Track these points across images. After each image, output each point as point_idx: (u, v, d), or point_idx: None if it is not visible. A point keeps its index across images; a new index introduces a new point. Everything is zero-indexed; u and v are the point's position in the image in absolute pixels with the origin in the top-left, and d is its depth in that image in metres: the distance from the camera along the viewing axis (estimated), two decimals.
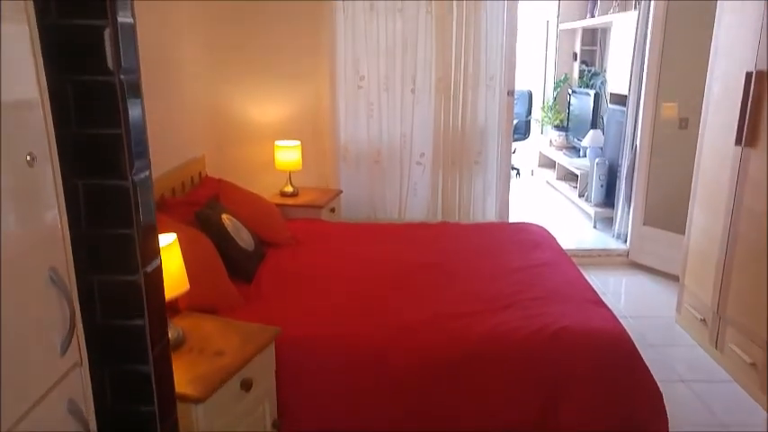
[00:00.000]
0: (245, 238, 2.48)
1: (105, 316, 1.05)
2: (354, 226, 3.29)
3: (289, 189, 3.51)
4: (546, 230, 3.20)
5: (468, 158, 3.76)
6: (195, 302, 1.87)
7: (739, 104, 2.53)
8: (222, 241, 2.33)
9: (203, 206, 2.48)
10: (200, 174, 3.18)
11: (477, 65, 3.61)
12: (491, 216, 3.91)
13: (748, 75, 2.47)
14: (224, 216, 2.45)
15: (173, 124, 2.98)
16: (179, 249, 1.57)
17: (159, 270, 1.13)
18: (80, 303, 1.01)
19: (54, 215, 0.94)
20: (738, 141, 2.56)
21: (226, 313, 2.00)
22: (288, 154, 3.46)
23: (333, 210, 3.59)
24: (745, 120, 2.50)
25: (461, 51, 3.57)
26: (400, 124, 3.72)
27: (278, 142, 3.49)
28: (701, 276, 2.92)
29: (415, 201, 3.86)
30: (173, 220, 2.11)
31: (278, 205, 3.21)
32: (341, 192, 3.72)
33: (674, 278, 3.29)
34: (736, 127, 2.56)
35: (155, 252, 1.11)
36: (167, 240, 1.52)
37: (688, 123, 3.51)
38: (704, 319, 2.88)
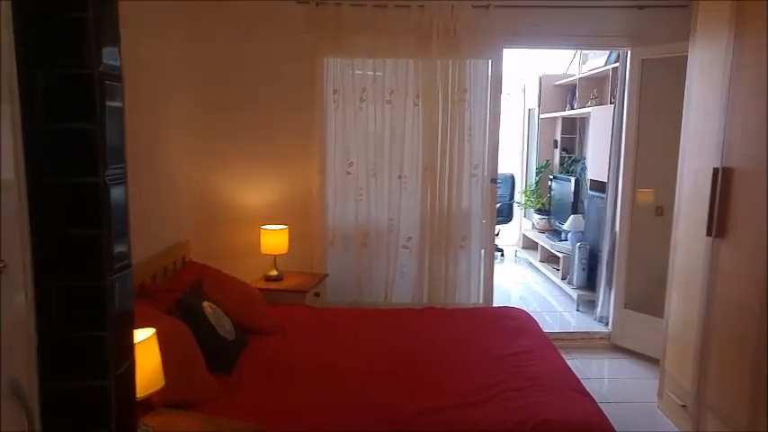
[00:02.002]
0: (226, 327, 2.47)
1: (69, 427, 1.01)
2: (339, 311, 3.29)
3: (273, 273, 3.53)
4: (529, 315, 3.23)
5: (453, 242, 3.83)
6: (171, 397, 1.84)
7: (708, 198, 2.65)
8: (202, 330, 2.31)
9: (185, 293, 2.48)
10: (183, 258, 3.20)
11: (461, 154, 3.76)
12: (476, 298, 3.94)
13: (715, 171, 2.61)
14: (205, 303, 2.45)
15: (158, 209, 3.04)
16: (156, 345, 1.57)
17: (131, 370, 1.10)
18: (42, 413, 0.97)
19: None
20: (709, 232, 2.66)
21: (204, 408, 1.96)
22: (274, 238, 3.51)
23: (318, 294, 3.59)
24: (714, 212, 2.62)
25: (447, 141, 3.73)
26: (388, 209, 3.81)
27: (264, 227, 3.54)
28: (681, 362, 2.94)
29: (402, 284, 3.89)
30: (152, 309, 2.11)
31: (262, 290, 3.21)
32: (327, 275, 3.74)
33: (656, 362, 3.29)
34: (706, 218, 2.67)
35: (127, 352, 1.08)
36: (144, 335, 1.52)
37: (663, 211, 3.64)
38: (685, 406, 2.87)
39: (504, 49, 3.76)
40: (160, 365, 1.59)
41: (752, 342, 2.37)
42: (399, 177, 3.78)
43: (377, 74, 3.71)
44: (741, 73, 2.49)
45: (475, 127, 3.78)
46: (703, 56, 2.81)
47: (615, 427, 2.04)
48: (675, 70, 3.15)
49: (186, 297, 2.43)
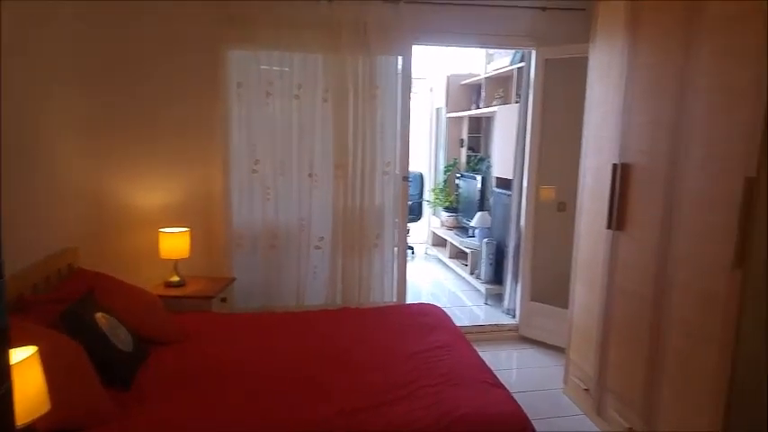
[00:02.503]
0: (122, 338, 2.25)
1: None
2: (248, 316, 3.12)
3: (175, 279, 3.29)
4: (442, 311, 3.26)
5: (367, 241, 3.78)
6: (59, 421, 1.62)
7: (608, 193, 2.80)
8: (95, 343, 2.09)
9: (73, 303, 2.23)
10: (70, 266, 2.89)
11: (374, 151, 3.71)
12: (390, 297, 3.92)
13: (614, 167, 2.75)
14: (98, 314, 2.22)
15: (39, 213, 2.72)
16: (39, 364, 1.37)
17: (9, 395, 0.95)
18: None
19: None
20: (609, 226, 2.80)
21: (97, 429, 1.76)
22: (174, 241, 3.27)
23: (224, 299, 3.40)
24: (614, 207, 2.76)
25: (359, 138, 3.67)
26: (298, 208, 3.69)
27: (163, 230, 3.29)
28: (584, 349, 3.08)
29: (314, 285, 3.78)
30: (33, 324, 1.86)
31: (163, 297, 2.97)
32: (234, 279, 3.55)
33: (561, 350, 3.45)
34: (606, 213, 2.81)
35: (3, 375, 0.94)
36: (24, 354, 1.32)
37: (566, 207, 3.81)
38: (588, 389, 3.02)
39: (414, 46, 3.77)
40: (44, 387, 1.39)
41: (646, 327, 2.53)
42: (309, 175, 3.67)
43: (284, 69, 3.56)
44: (636, 74, 2.64)
45: (386, 124, 3.76)
46: (602, 57, 2.97)
47: (527, 415, 2.10)
48: (577, 70, 3.30)
49: (74, 308, 2.18)
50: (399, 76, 3.78)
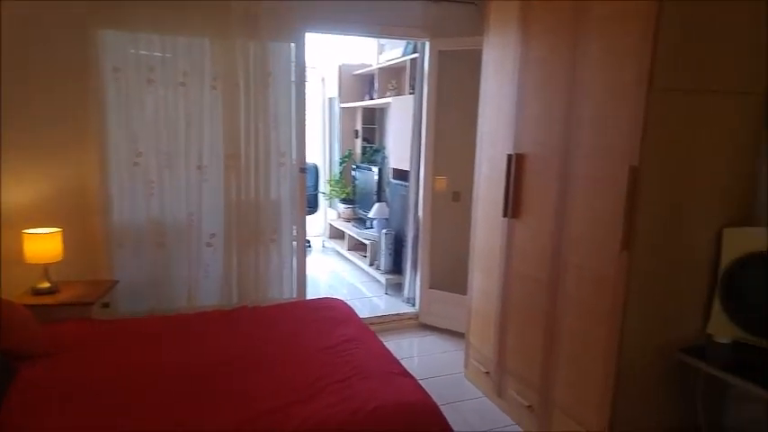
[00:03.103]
0: None
1: None
2: (135, 321, 2.85)
3: (45, 285, 2.92)
4: (346, 304, 3.20)
5: (263, 236, 3.62)
6: None
7: (503, 183, 2.89)
8: None
9: None
10: None
11: (267, 141, 3.55)
12: (289, 292, 3.79)
13: (509, 157, 2.85)
14: None
15: None
16: None
17: None
18: None
19: None
20: (505, 214, 2.91)
21: None
22: (43, 243, 2.90)
23: (107, 304, 3.08)
24: (509, 196, 2.86)
25: (251, 127, 3.48)
26: (186, 203, 3.43)
27: (28, 231, 2.91)
28: (483, 333, 3.19)
29: (206, 284, 3.55)
30: None
31: (31, 306, 2.62)
32: (116, 282, 3.23)
33: (461, 335, 3.55)
34: (502, 201, 2.91)
35: None
36: None
37: (460, 197, 3.91)
38: (488, 372, 3.13)
39: (307, 34, 3.65)
40: None
41: (542, 308, 2.65)
42: (198, 168, 3.43)
43: (167, 55, 3.28)
44: (529, 68, 2.75)
45: (280, 113, 3.60)
46: (496, 51, 3.05)
47: (437, 405, 2.11)
48: (471, 62, 3.37)
49: None
50: (293, 63, 3.64)
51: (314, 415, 1.93)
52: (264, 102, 3.51)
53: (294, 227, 3.80)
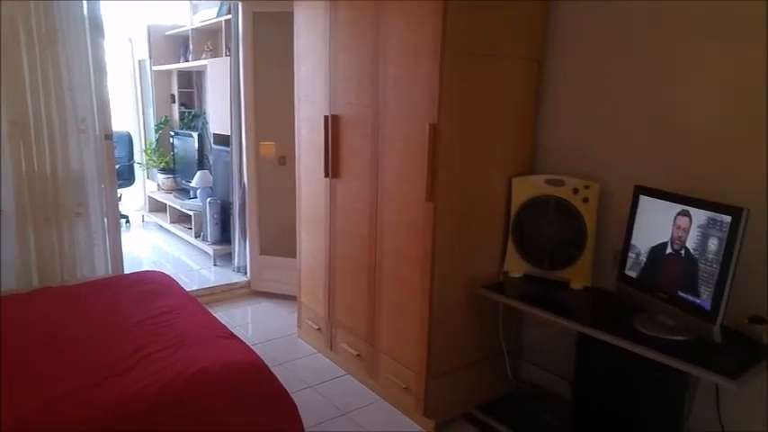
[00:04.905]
0: None
1: None
2: None
3: None
4: (167, 276, 3.06)
5: (66, 211, 3.25)
6: None
7: (323, 143, 2.95)
8: None
9: None
10: None
11: (62, 106, 3.15)
12: (104, 271, 3.48)
13: (326, 118, 2.91)
14: None
15: None
16: None
17: None
18: None
19: None
20: (326, 174, 2.98)
21: None
22: None
23: None
24: (329, 156, 2.94)
25: (40, 91, 3.06)
26: None
27: None
28: (314, 292, 3.29)
29: None
30: None
31: None
32: None
33: (294, 298, 3.60)
34: (323, 162, 2.98)
35: None
36: None
37: (286, 160, 3.91)
38: (320, 329, 3.25)
39: None
40: None
41: (365, 262, 2.81)
42: None
43: None
44: (338, 29, 2.80)
45: (75, 75, 3.21)
46: (307, 11, 3.06)
47: (265, 362, 2.15)
48: (287, 25, 3.32)
49: None
50: (87, 20, 3.26)
51: (131, 386, 1.85)
52: (54, 62, 3.10)
53: (104, 201, 3.47)
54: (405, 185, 2.50)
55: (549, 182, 2.51)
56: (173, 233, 5.64)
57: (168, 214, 5.76)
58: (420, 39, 2.31)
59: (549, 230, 2.50)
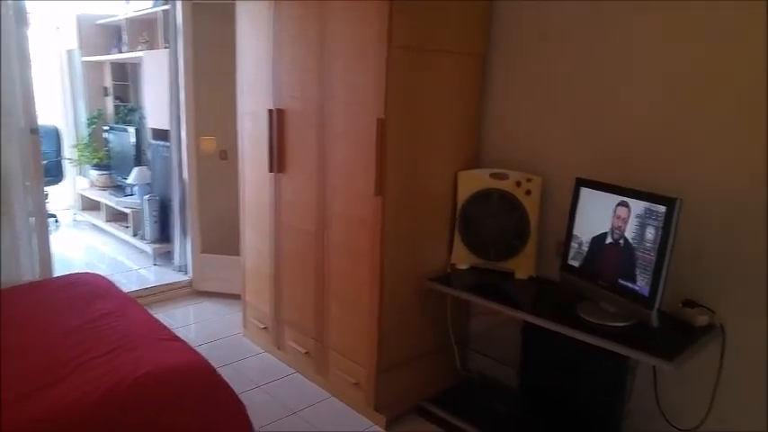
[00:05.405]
0: None
1: None
2: None
3: None
4: (103, 278, 2.91)
5: None
6: None
7: (267, 138, 2.89)
8: None
9: None
10: None
11: None
12: (31, 274, 3.27)
13: (270, 112, 2.85)
14: None
15: None
16: None
17: None
18: None
19: None
20: (271, 169, 2.92)
21: None
22: None
23: None
24: (273, 151, 2.88)
25: None
26: None
27: None
28: (260, 290, 3.21)
29: None
30: None
31: None
32: None
33: (238, 297, 3.51)
34: (267, 157, 2.91)
35: None
36: None
37: (227, 155, 3.80)
38: (266, 327, 3.19)
39: None
40: None
41: (312, 258, 2.77)
42: None
43: None
44: (283, 23, 2.74)
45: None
46: (250, 4, 2.97)
47: (211, 363, 2.08)
48: (229, 16, 3.22)
49: None
50: (10, 7, 3.04)
51: (66, 396, 1.73)
52: None
53: (30, 199, 3.26)
54: (352, 179, 2.48)
55: (493, 175, 2.55)
56: (108, 232, 5.38)
57: (103, 212, 5.49)
58: (366, 33, 2.29)
59: (494, 223, 2.54)
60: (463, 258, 2.64)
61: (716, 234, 2.01)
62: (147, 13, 4.62)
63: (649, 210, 1.86)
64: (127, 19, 4.99)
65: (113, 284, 2.83)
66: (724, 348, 2.00)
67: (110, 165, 5.63)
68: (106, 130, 5.62)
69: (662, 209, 1.81)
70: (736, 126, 1.94)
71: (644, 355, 1.81)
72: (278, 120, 2.83)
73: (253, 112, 3.06)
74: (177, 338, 2.24)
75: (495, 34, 2.63)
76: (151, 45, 4.85)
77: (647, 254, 1.86)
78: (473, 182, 2.59)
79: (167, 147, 4.25)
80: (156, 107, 4.61)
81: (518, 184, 2.49)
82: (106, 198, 5.36)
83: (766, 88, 1.85)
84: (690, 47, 2.02)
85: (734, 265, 1.97)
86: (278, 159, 2.88)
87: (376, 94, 2.28)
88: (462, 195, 2.60)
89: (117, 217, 5.38)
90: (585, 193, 2.16)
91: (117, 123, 5.54)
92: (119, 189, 5.43)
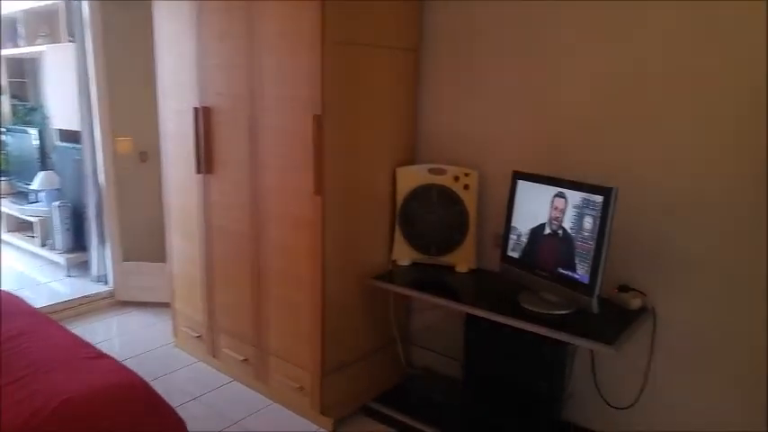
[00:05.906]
0: None
1: None
2: None
3: None
4: (9, 294, 2.64)
5: None
6: None
7: (193, 137, 2.73)
8: None
9: None
10: None
11: None
12: None
13: (196, 110, 2.69)
14: None
15: None
16: None
17: None
18: None
19: None
20: (199, 170, 2.76)
21: None
22: None
23: None
24: (200, 151, 2.73)
25: None
26: None
27: None
28: (191, 297, 3.05)
29: None
30: None
31: None
32: None
33: (167, 305, 3.31)
34: (194, 157, 2.76)
35: None
36: None
37: (148, 156, 3.58)
38: (200, 335, 3.03)
39: None
40: None
41: (247, 260, 2.66)
42: None
43: None
44: (207, 17, 2.60)
45: None
46: (169, 2, 2.79)
47: (144, 379, 1.94)
48: (141, 9, 3.02)
49: None
50: None
51: None
52: None
53: None
54: (288, 178, 2.39)
55: (431, 171, 2.55)
56: (11, 244, 4.92)
57: (4, 222, 5.02)
58: (299, 28, 2.21)
59: (434, 218, 2.55)
60: (404, 254, 2.63)
61: (645, 221, 2.11)
62: (47, 5, 4.27)
63: (586, 200, 1.92)
64: (24, 11, 4.58)
65: (22, 301, 2.57)
66: (655, 328, 2.12)
67: (9, 170, 5.16)
68: (3, 132, 5.13)
69: (599, 198, 1.88)
70: (664, 119, 2.05)
71: (586, 341, 1.88)
72: (205, 118, 2.69)
73: (176, 111, 2.89)
74: (103, 355, 2.06)
75: (429, 29, 2.63)
76: (53, 39, 4.48)
77: (586, 243, 1.92)
78: (412, 178, 2.58)
79: (78, 149, 3.94)
80: (61, 106, 4.27)
81: (456, 178, 2.51)
82: (7, 206, 4.91)
83: (691, 86, 1.96)
84: (618, 46, 2.11)
85: (662, 249, 2.09)
86: (206, 160, 2.74)
87: (311, 90, 2.21)
88: (402, 191, 2.59)
89: (21, 226, 4.94)
90: (522, 185, 2.20)
91: (16, 124, 5.08)
92: (22, 196, 4.99)
